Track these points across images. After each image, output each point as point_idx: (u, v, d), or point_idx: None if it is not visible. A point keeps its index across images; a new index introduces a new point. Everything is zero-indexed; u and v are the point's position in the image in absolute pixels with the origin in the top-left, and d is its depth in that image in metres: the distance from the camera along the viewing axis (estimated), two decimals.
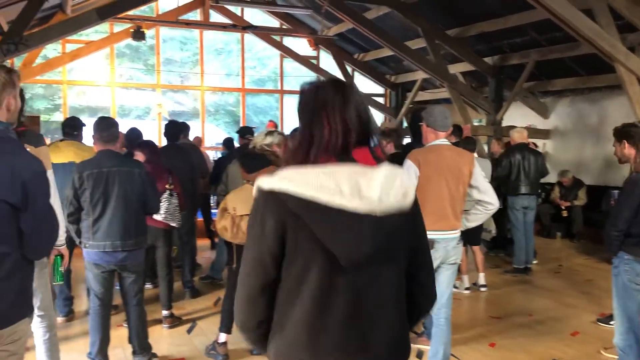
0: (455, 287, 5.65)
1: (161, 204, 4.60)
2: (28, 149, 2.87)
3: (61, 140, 4.87)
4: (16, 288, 2.12)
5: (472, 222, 3.72)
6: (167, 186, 4.77)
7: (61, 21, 7.77)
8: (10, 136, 2.12)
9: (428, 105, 11.22)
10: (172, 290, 5.08)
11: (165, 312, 4.91)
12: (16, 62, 9.49)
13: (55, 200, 3.01)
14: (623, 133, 3.53)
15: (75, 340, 4.49)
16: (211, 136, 11.86)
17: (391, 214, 1.41)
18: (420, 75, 10.96)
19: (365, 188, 1.39)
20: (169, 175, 4.86)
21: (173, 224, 4.86)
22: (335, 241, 1.38)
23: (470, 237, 5.42)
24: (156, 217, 4.62)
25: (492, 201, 3.60)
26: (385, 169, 1.45)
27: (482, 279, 6.05)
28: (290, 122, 12.29)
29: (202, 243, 7.37)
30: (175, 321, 4.90)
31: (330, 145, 1.46)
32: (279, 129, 11.71)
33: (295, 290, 1.46)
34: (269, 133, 4.24)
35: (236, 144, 7.41)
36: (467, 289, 5.93)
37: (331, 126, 1.47)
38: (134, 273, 3.88)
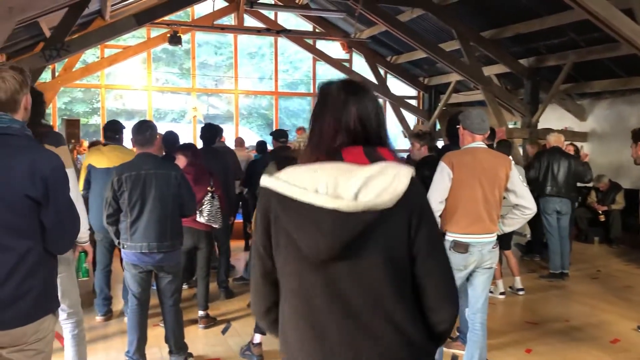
0: (490, 291, 5.60)
1: (204, 206, 4.65)
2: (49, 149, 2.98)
3: (104, 145, 4.96)
4: (40, 283, 2.15)
5: (509, 226, 3.68)
6: (208, 189, 4.78)
7: (101, 27, 7.97)
8: (27, 134, 2.20)
9: (462, 107, 11.14)
10: (209, 291, 5.15)
11: (201, 313, 4.97)
12: (57, 67, 9.76)
13: (77, 198, 3.11)
14: (637, 134, 3.46)
15: (114, 339, 4.60)
16: (245, 139, 11.96)
17: (364, 212, 1.37)
18: (454, 78, 10.87)
19: (342, 186, 1.40)
20: (210, 177, 4.87)
21: (215, 226, 4.89)
22: (301, 235, 1.42)
23: (500, 241, 5.36)
24: (199, 219, 4.67)
25: (530, 206, 3.54)
26: (375, 168, 1.41)
27: (518, 282, 5.97)
28: None
29: (236, 245, 7.44)
30: (210, 322, 4.97)
31: (323, 144, 1.51)
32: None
33: (282, 280, 1.52)
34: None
35: (269, 147, 7.49)
36: (502, 293, 5.85)
37: (327, 125, 1.51)
38: (171, 274, 3.95)
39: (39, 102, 3.22)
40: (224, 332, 4.81)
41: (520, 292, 5.94)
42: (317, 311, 1.44)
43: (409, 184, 1.40)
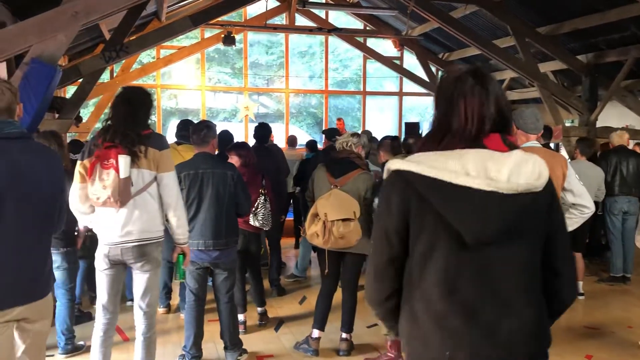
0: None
1: (259, 210, 4.63)
2: (151, 152, 3.07)
3: (178, 144, 5.07)
4: (50, 263, 2.54)
5: (567, 226, 3.57)
6: (261, 191, 4.74)
7: (157, 28, 8.16)
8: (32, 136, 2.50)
9: (516, 105, 10.88)
10: (263, 288, 5.16)
11: (259, 309, 5.02)
12: (115, 67, 10.07)
13: (178, 201, 3.25)
14: None
15: (171, 333, 4.71)
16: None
17: (520, 193, 1.41)
18: (508, 75, 10.62)
19: (493, 170, 1.42)
20: (262, 179, 4.83)
21: (266, 228, 4.85)
22: (460, 219, 1.41)
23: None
24: (253, 222, 4.63)
25: (588, 204, 3.46)
26: (517, 155, 1.47)
27: (579, 286, 5.79)
28: (372, 123, 12.28)
29: (287, 242, 7.49)
30: (266, 319, 5.02)
31: (464, 134, 1.49)
32: (360, 129, 11.73)
33: (421, 268, 1.50)
34: (354, 134, 4.29)
35: (319, 145, 7.50)
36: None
37: (467, 116, 1.49)
38: (226, 271, 4.02)
39: (148, 103, 3.28)
40: (276, 329, 4.87)
41: (580, 297, 5.76)
42: (465, 292, 1.46)
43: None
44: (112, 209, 3.08)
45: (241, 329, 4.69)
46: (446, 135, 1.51)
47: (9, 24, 5.54)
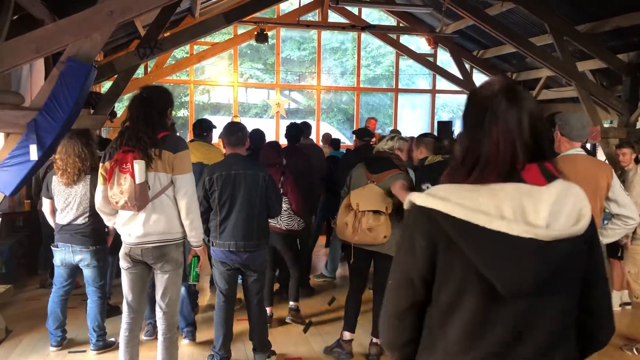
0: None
1: None
2: (165, 155, 3.06)
3: (191, 141, 5.14)
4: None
5: (609, 237, 3.45)
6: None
7: (191, 26, 8.20)
8: None
9: (553, 105, 10.64)
10: (298, 287, 5.20)
11: (292, 304, 5.04)
12: (149, 63, 10.17)
13: (191, 202, 3.22)
14: None
15: (199, 333, 4.67)
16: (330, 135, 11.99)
17: (561, 240, 1.25)
18: (544, 73, 10.38)
19: (531, 211, 1.27)
20: (282, 177, 4.79)
21: (282, 228, 4.85)
22: (493, 268, 1.25)
23: (611, 249, 5.14)
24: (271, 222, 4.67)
25: (633, 215, 3.33)
26: (556, 189, 1.31)
27: (622, 296, 5.63)
28: (404, 120, 12.16)
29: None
30: (298, 318, 5.01)
31: (497, 163, 1.32)
32: (392, 127, 11.63)
33: (445, 316, 1.35)
34: (391, 138, 4.25)
35: (344, 141, 7.42)
36: (624, 304, 5.55)
37: (499, 142, 1.32)
38: (256, 272, 4.02)
39: (162, 104, 3.25)
40: (305, 330, 4.85)
41: (627, 307, 5.64)
42: (494, 347, 1.32)
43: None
44: (131, 212, 3.13)
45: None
46: (476, 164, 1.34)
47: (47, 21, 5.63)
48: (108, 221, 3.36)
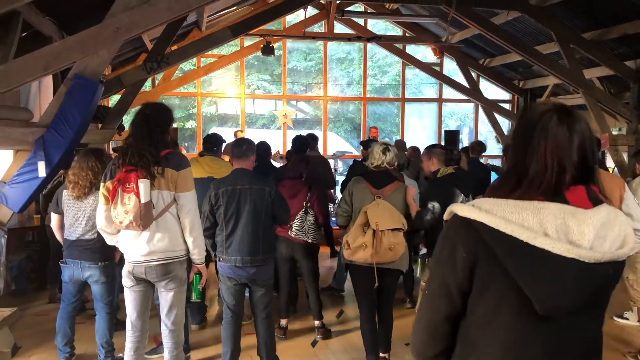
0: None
1: (294, 222, 4.67)
2: (168, 172, 3.06)
3: (201, 155, 5.14)
4: None
5: None
6: (304, 203, 4.75)
7: (197, 39, 8.26)
8: None
9: None
10: (321, 301, 5.14)
11: (317, 323, 5.01)
12: (157, 76, 10.23)
13: (195, 220, 3.23)
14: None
15: (207, 348, 4.67)
16: (332, 144, 12.03)
17: (605, 263, 1.25)
18: (551, 81, 10.35)
19: (575, 232, 1.25)
20: (308, 192, 4.80)
21: (308, 240, 4.81)
22: (532, 284, 1.24)
23: None
24: (290, 233, 4.72)
25: None
26: (603, 213, 1.29)
27: None
28: (411, 129, 12.15)
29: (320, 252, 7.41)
30: (327, 332, 4.98)
31: (543, 180, 1.32)
32: (399, 136, 11.62)
33: (481, 330, 1.34)
34: (384, 151, 4.15)
35: (351, 151, 7.42)
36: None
37: (547, 161, 1.32)
38: (263, 287, 4.01)
39: (164, 121, 3.26)
40: (313, 344, 4.83)
41: None
42: None
43: None
44: (134, 231, 3.12)
45: (280, 334, 4.84)
46: (522, 181, 1.34)
47: (55, 37, 5.70)
48: (110, 241, 3.34)
